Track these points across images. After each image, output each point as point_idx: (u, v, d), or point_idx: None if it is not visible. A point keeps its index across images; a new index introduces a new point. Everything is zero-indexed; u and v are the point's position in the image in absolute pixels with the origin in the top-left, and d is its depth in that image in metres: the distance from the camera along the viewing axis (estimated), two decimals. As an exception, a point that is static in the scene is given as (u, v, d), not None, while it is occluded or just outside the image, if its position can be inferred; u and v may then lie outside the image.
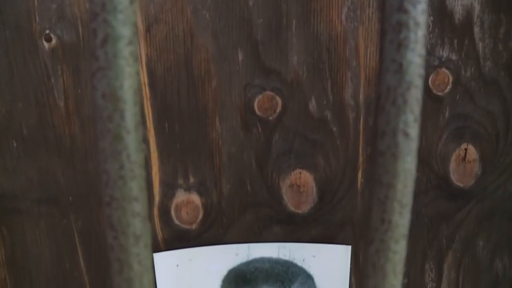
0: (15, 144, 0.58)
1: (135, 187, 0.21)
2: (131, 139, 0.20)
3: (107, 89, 0.19)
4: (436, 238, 0.66)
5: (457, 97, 0.61)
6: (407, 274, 0.67)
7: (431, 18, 0.58)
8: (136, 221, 0.21)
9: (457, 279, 0.69)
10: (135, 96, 0.20)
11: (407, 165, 0.21)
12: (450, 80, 0.60)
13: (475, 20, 0.59)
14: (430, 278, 0.68)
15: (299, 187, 0.61)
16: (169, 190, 0.60)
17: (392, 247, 0.22)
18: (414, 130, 0.20)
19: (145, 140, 0.58)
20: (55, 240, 0.62)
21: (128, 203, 0.21)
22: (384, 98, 0.20)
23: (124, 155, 0.20)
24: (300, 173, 0.61)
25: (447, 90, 0.60)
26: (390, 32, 0.19)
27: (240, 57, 0.57)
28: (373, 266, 0.22)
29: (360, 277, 0.64)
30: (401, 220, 0.22)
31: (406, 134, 0.20)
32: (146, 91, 0.57)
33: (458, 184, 0.64)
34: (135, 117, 0.20)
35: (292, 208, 0.62)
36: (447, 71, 0.60)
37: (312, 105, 0.59)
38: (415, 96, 0.20)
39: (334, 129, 0.60)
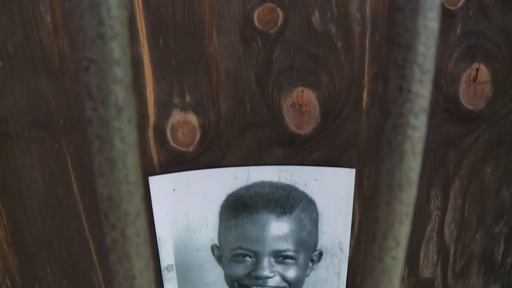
0: (0, 64, 0.55)
1: (116, 48, 0.18)
2: (110, -11, 0.17)
3: None
4: (443, 164, 0.64)
5: (470, 12, 0.57)
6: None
7: None
8: (118, 89, 0.19)
9: (463, 206, 0.67)
10: None
11: (429, 23, 0.18)
12: (463, -7, 0.57)
13: None
14: (435, 206, 0.66)
15: (301, 106, 0.59)
16: (164, 109, 0.57)
17: (411, 122, 0.20)
18: (438, -20, 0.17)
19: (139, 57, 0.55)
20: (47, 166, 0.60)
21: (108, 67, 0.18)
22: None
23: (104, 9, 0.18)
24: (302, 91, 0.58)
25: (459, 5, 0.57)
26: None
27: (239, -36, 0.53)
28: (389, 145, 0.20)
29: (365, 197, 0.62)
30: (422, 89, 0.19)
31: (429, -16, 0.17)
32: (138, 2, 0.53)
33: (468, 106, 0.62)
34: (115, -37, 0.17)
35: (294, 129, 0.60)
36: (460, -17, 0.56)
37: (316, 18, 0.55)
38: None
39: (339, 44, 0.56)
